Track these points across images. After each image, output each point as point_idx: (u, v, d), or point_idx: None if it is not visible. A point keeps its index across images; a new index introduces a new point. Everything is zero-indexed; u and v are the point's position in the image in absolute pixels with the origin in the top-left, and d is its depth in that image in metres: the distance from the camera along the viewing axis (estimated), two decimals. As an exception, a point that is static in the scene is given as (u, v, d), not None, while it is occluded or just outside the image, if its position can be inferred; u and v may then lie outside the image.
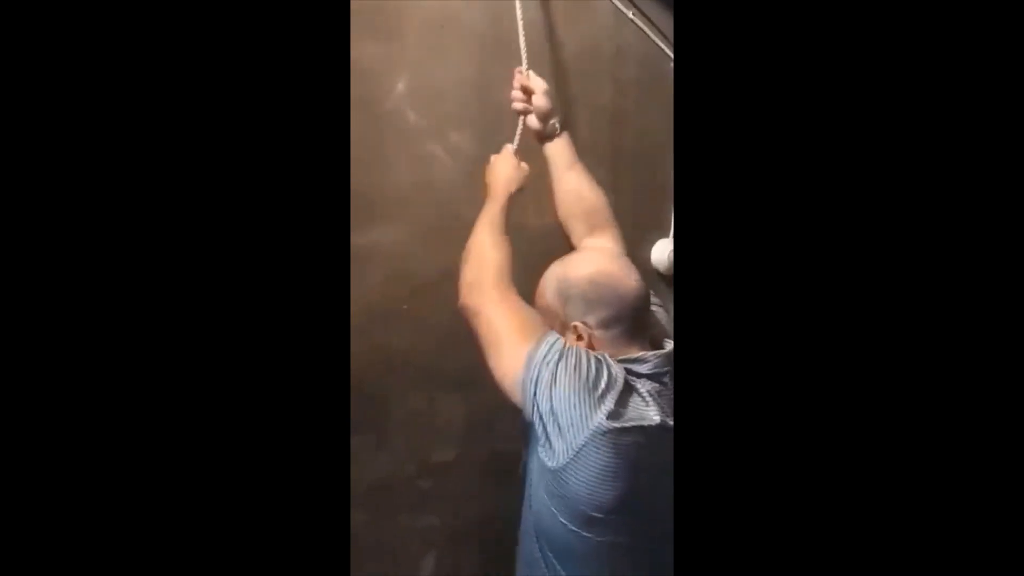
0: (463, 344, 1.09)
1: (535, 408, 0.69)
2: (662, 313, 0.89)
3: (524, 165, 0.91)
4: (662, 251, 1.23)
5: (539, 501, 0.74)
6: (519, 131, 0.93)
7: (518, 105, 0.92)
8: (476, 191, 1.07)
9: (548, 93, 0.91)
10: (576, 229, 0.92)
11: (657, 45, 1.18)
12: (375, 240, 1.00)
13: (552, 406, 0.68)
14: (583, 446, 0.66)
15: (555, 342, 0.72)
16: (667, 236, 1.25)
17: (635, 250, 1.24)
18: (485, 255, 0.80)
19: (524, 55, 0.95)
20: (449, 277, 1.07)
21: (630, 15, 1.13)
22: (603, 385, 0.68)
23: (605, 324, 0.76)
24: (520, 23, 0.93)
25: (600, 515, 0.69)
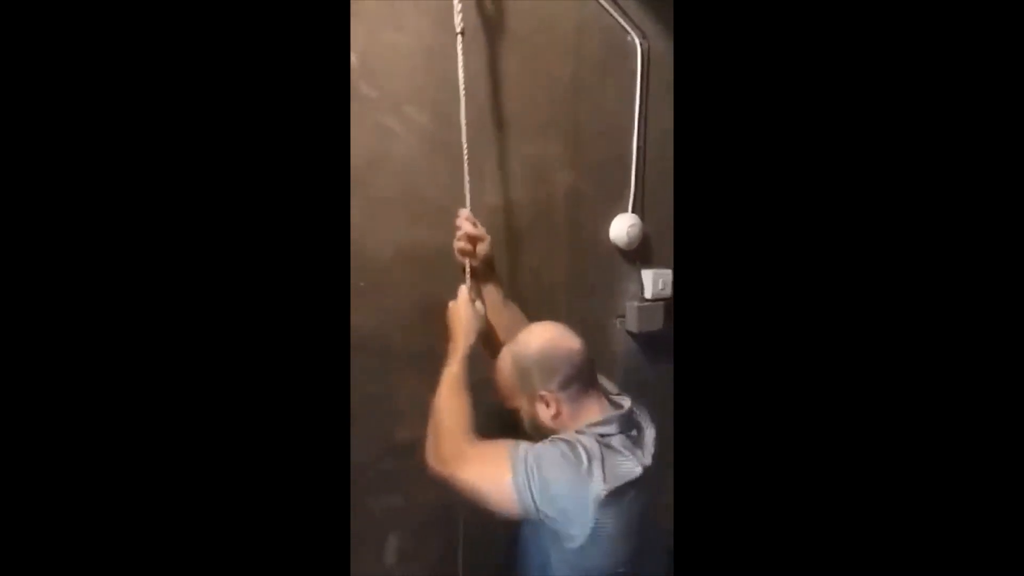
0: (422, 323, 1.08)
1: (541, 514, 0.76)
2: (606, 381, 0.99)
3: (479, 305, 0.98)
4: (621, 226, 1.23)
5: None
6: (467, 273, 0.99)
7: (464, 248, 0.98)
8: (433, 165, 1.05)
9: (492, 242, 1.00)
10: None
11: (616, 20, 1.17)
12: (330, 217, 0.96)
13: (557, 505, 0.76)
14: (596, 521, 0.75)
15: (523, 456, 0.78)
16: (626, 211, 1.25)
17: (596, 225, 1.24)
18: (445, 422, 0.85)
19: (459, 24, 0.93)
20: (407, 254, 1.05)
21: (588, -13, 1.12)
22: (585, 461, 0.77)
23: (565, 385, 0.86)
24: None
25: (623, 569, 0.79)
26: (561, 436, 0.82)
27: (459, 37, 0.95)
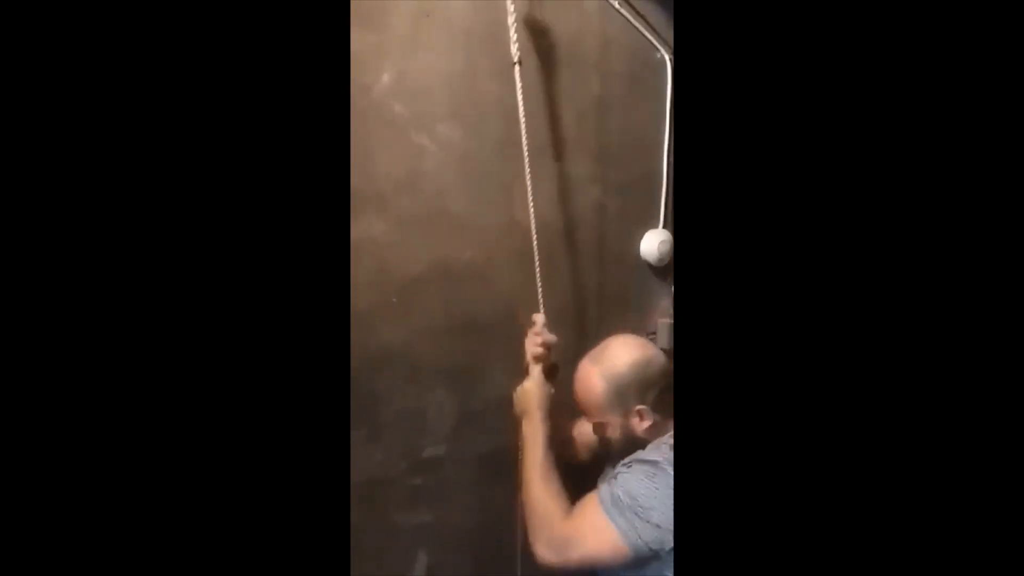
0: (453, 338, 1.08)
1: (650, 547, 0.77)
2: None
3: (550, 386, 0.98)
4: (651, 242, 1.22)
5: None
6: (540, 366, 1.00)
7: (540, 355, 0.99)
8: (465, 183, 1.06)
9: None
10: None
11: (644, 36, 1.17)
12: (362, 233, 0.98)
13: (659, 525, 0.77)
14: None
15: (612, 496, 0.80)
16: (656, 228, 1.24)
17: (626, 242, 1.23)
18: (547, 510, 0.85)
19: (516, 52, 0.94)
20: (438, 271, 1.06)
21: (616, 5, 1.13)
22: (671, 470, 0.79)
23: (658, 399, 0.89)
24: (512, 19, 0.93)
25: None
26: (639, 457, 0.84)
27: (516, 68, 0.97)
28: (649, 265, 1.25)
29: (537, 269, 1.00)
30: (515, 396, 0.99)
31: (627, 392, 0.89)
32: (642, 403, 0.88)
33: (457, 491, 1.11)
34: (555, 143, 1.13)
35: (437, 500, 1.10)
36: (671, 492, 0.77)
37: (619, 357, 0.91)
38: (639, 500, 0.78)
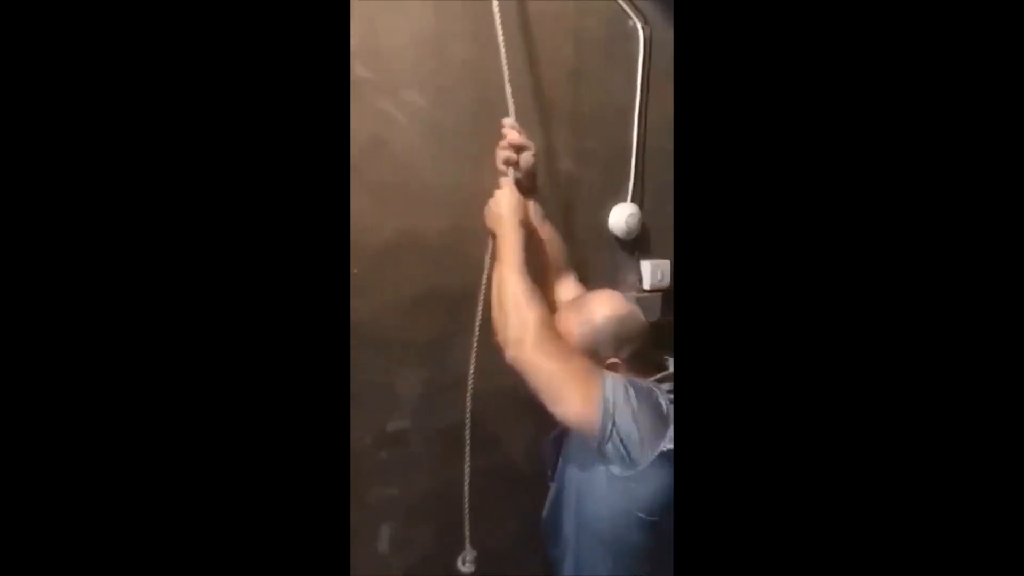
0: (420, 311, 1.06)
1: (614, 437, 0.76)
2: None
3: (521, 197, 0.93)
4: (620, 215, 1.22)
5: (606, 509, 0.84)
6: (511, 173, 0.93)
7: (509, 157, 0.93)
8: (432, 151, 1.03)
9: (536, 153, 0.95)
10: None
11: (619, 4, 1.15)
12: (325, 202, 0.94)
13: (637, 432, 0.76)
14: (652, 465, 0.77)
15: (616, 381, 0.79)
16: (625, 200, 1.24)
17: (594, 214, 1.23)
18: (524, 306, 0.82)
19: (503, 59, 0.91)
20: (405, 242, 1.03)
21: (590, -30, 1.09)
22: (665, 408, 0.79)
23: (633, 356, 0.89)
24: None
25: (647, 516, 0.82)
26: (647, 383, 0.83)
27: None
28: (617, 238, 1.25)
29: (506, 72, 0.93)
30: (486, 212, 0.93)
31: (600, 344, 0.88)
32: (615, 357, 0.88)
33: (422, 464, 1.11)
34: (522, 111, 1.09)
35: (402, 474, 1.09)
36: (657, 419, 0.77)
37: (596, 311, 0.90)
38: (635, 400, 0.77)
